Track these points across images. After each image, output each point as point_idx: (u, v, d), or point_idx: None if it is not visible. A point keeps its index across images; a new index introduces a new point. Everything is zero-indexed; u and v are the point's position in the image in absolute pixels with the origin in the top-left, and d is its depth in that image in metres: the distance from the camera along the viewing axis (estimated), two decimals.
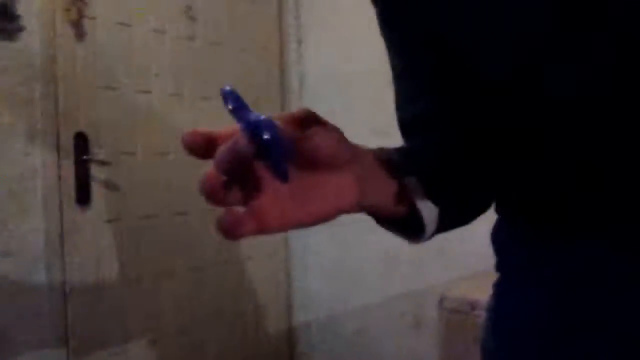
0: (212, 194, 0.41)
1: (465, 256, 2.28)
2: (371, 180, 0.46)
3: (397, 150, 0.57)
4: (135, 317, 2.15)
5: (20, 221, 1.83)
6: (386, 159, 0.51)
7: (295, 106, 2.78)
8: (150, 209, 2.21)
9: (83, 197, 1.98)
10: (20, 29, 1.84)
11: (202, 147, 0.41)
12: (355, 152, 0.44)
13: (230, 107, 0.38)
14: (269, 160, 0.37)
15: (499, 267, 0.66)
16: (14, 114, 1.83)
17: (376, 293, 2.56)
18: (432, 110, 0.63)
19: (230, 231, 0.40)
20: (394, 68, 0.68)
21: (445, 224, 0.55)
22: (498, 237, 0.66)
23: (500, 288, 0.65)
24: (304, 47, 2.80)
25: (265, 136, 0.35)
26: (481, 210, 0.63)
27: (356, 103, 2.61)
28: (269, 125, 0.36)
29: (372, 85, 2.56)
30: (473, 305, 1.39)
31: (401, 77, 0.68)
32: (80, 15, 1.98)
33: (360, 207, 0.45)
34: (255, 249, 2.63)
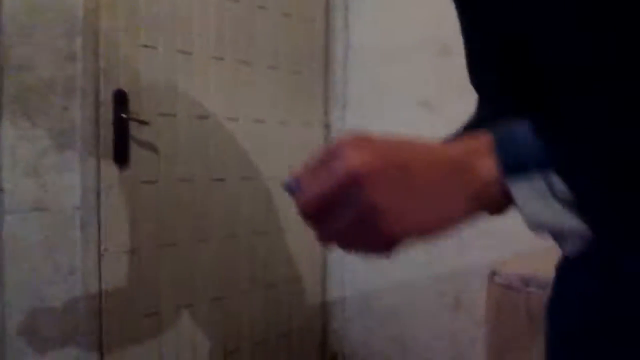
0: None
1: (511, 236, 2.17)
2: None
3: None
4: (169, 281, 2.12)
5: (57, 177, 1.80)
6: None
7: (339, 76, 2.70)
8: (187, 173, 2.16)
9: (121, 156, 1.94)
10: None
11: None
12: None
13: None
14: None
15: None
16: (54, 68, 1.79)
17: (415, 270, 2.48)
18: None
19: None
20: (464, 31, 0.61)
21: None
22: None
23: (562, 271, 0.58)
24: (351, 16, 2.70)
25: None
26: None
27: (402, 74, 2.51)
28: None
29: (418, 57, 2.46)
30: (527, 282, 1.30)
31: (469, 43, 0.60)
32: None
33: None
34: (292, 220, 2.57)
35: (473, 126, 0.56)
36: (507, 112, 0.56)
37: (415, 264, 2.48)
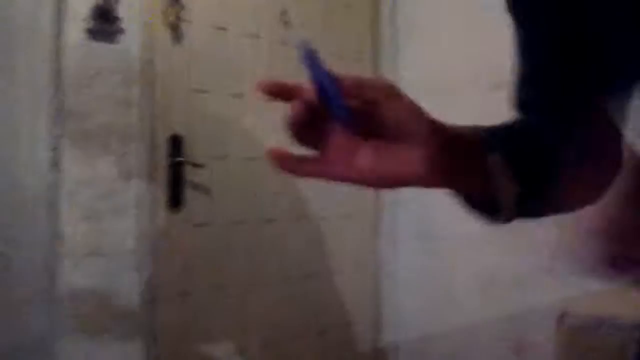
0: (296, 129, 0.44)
1: (577, 276, 2.07)
2: (454, 157, 0.46)
3: (490, 127, 0.56)
4: (221, 325, 2.09)
5: (114, 221, 1.82)
6: (477, 137, 0.51)
7: None
8: (239, 215, 2.16)
9: (175, 199, 1.96)
10: (120, 31, 1.86)
11: (276, 93, 0.44)
12: (434, 127, 0.44)
13: (306, 62, 0.42)
14: (329, 104, 0.42)
15: None
16: (112, 114, 1.84)
17: (472, 312, 2.38)
18: (547, 95, 0.61)
19: (291, 168, 0.46)
20: (517, 37, 0.63)
21: (531, 208, 0.53)
22: None
23: None
24: (399, 54, 2.70)
25: (325, 84, 0.42)
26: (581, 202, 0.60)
27: (451, 110, 2.46)
28: (328, 77, 0.42)
29: (468, 93, 2.42)
30: (602, 323, 1.22)
31: (524, 51, 0.63)
32: (178, 19, 1.99)
33: (437, 182, 0.45)
34: (344, 261, 2.53)
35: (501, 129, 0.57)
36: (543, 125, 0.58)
37: (472, 305, 2.38)
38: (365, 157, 0.43)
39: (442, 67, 2.52)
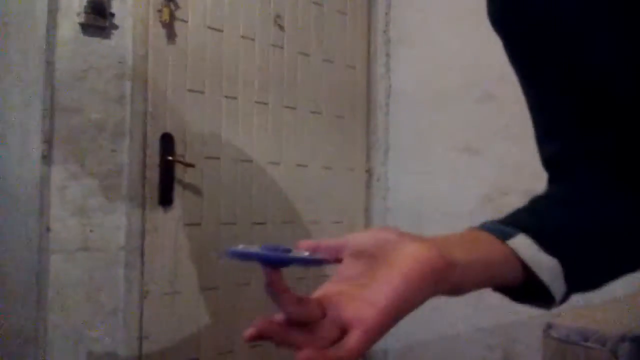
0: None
1: None
2: (461, 254, 0.44)
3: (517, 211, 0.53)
4: (209, 325, 2.08)
5: (103, 217, 1.81)
6: (484, 229, 0.48)
7: (381, 121, 2.69)
8: (229, 216, 2.15)
9: (166, 198, 1.95)
10: (114, 27, 1.85)
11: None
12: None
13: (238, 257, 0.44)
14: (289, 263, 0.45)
15: None
16: (104, 111, 1.83)
17: (461, 321, 2.38)
18: (569, 149, 0.57)
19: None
20: (527, 97, 0.61)
21: (579, 280, 0.49)
22: None
23: None
24: (392, 62, 2.71)
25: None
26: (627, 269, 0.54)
27: (443, 119, 2.49)
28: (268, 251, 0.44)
29: (460, 102, 2.43)
30: (586, 336, 1.22)
31: (536, 108, 0.60)
32: (172, 17, 1.98)
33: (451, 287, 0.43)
34: (336, 268, 2.52)
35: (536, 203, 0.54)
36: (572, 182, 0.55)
37: (460, 315, 2.38)
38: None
39: (434, 76, 2.53)
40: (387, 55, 2.71)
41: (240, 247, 0.44)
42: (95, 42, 1.81)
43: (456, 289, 0.44)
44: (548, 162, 0.59)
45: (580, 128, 0.55)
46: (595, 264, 0.52)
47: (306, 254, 0.47)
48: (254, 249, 0.43)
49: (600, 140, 0.54)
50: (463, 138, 2.40)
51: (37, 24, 1.72)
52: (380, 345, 2.63)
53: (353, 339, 0.40)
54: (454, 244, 0.46)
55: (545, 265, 0.46)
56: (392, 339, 2.61)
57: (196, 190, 2.05)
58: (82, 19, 1.77)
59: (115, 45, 1.85)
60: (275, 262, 0.43)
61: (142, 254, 1.88)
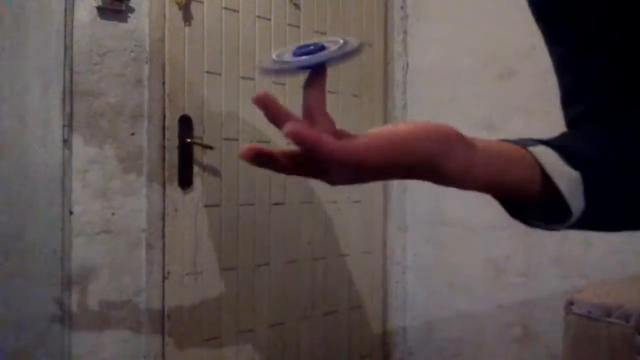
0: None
1: (585, 266, 2.06)
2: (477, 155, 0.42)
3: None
4: (230, 305, 2.11)
5: (124, 200, 1.83)
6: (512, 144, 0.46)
7: (398, 99, 2.67)
8: (248, 197, 2.16)
9: (185, 179, 1.96)
10: (131, 10, 1.85)
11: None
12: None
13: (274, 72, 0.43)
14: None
15: None
16: (122, 94, 1.84)
17: (480, 299, 2.38)
18: (599, 108, 0.54)
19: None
20: (554, 56, 0.58)
21: (598, 204, 0.45)
22: None
23: None
24: (409, 39, 2.68)
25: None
26: None
27: (461, 96, 2.46)
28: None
29: (477, 79, 2.40)
30: (609, 312, 1.21)
31: (564, 68, 0.58)
32: None
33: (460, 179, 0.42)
34: (352, 246, 2.53)
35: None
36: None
37: (479, 292, 2.38)
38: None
39: (452, 53, 2.49)
40: (405, 32, 2.68)
41: (274, 55, 0.42)
42: (112, 26, 1.82)
43: (464, 170, 0.42)
44: (573, 123, 0.57)
45: (612, 86, 0.53)
46: (617, 192, 0.49)
47: (341, 41, 0.43)
48: (287, 55, 0.42)
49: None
50: (483, 115, 2.38)
51: (55, 9, 1.73)
52: (399, 322, 2.64)
53: (353, 139, 0.40)
54: (475, 138, 0.44)
55: (567, 176, 0.44)
56: (411, 317, 2.62)
57: (215, 172, 2.06)
58: (99, 3, 1.77)
59: (132, 28, 1.86)
60: (313, 69, 0.41)
61: (163, 236, 1.91)
